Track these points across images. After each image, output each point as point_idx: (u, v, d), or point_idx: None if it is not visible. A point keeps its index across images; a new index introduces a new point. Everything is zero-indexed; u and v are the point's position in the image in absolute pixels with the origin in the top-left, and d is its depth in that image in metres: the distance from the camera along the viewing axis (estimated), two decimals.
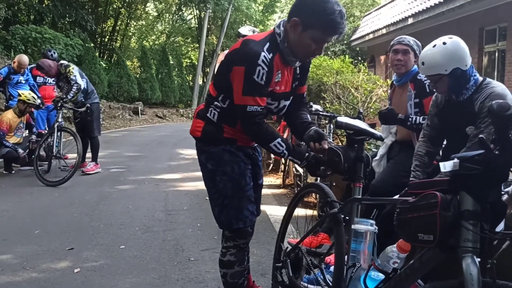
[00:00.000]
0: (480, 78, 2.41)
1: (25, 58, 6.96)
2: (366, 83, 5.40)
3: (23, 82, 6.87)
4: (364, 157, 1.99)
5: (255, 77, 1.91)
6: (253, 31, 5.05)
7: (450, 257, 1.36)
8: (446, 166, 1.35)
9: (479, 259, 1.30)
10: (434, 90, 2.52)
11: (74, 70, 6.13)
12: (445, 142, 2.72)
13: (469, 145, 2.27)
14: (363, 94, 5.27)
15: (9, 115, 6.25)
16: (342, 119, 2.11)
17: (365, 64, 14.14)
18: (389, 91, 3.57)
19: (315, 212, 4.29)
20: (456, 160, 1.33)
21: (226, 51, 5.60)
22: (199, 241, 3.68)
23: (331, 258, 2.37)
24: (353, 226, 1.84)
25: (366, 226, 1.80)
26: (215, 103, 2.10)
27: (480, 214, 1.33)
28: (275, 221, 4.23)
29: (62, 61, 6.38)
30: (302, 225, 2.65)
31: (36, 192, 5.29)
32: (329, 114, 4.39)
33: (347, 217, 1.94)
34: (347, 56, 6.55)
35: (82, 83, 6.13)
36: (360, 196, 1.95)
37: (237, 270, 2.20)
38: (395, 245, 1.62)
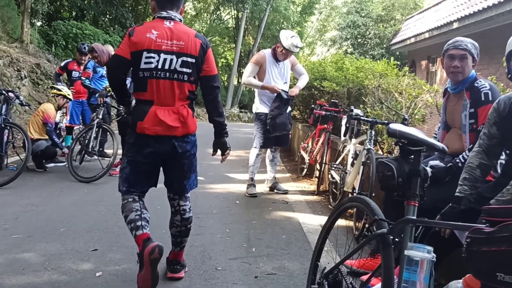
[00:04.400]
0: None
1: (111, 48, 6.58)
2: (411, 87, 5.04)
3: (105, 75, 6.72)
4: (421, 170, 1.71)
5: None
6: (291, 36, 5.09)
7: None
8: None
9: None
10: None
11: None
12: (504, 156, 2.41)
13: None
14: (407, 99, 4.93)
15: (53, 108, 6.23)
16: (395, 126, 1.83)
17: (405, 69, 13.63)
18: (441, 99, 3.25)
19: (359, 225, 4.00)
20: None
21: (262, 51, 5.42)
22: (227, 248, 3.49)
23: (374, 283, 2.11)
24: (406, 252, 1.57)
25: (422, 253, 1.53)
26: (195, 94, 2.84)
27: None
28: (308, 230, 3.99)
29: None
30: (341, 241, 2.40)
31: (66, 187, 5.24)
32: (370, 119, 4.11)
33: (396, 239, 1.68)
34: (391, 58, 6.16)
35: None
36: (414, 217, 1.68)
37: None
38: (461, 280, 1.36)
